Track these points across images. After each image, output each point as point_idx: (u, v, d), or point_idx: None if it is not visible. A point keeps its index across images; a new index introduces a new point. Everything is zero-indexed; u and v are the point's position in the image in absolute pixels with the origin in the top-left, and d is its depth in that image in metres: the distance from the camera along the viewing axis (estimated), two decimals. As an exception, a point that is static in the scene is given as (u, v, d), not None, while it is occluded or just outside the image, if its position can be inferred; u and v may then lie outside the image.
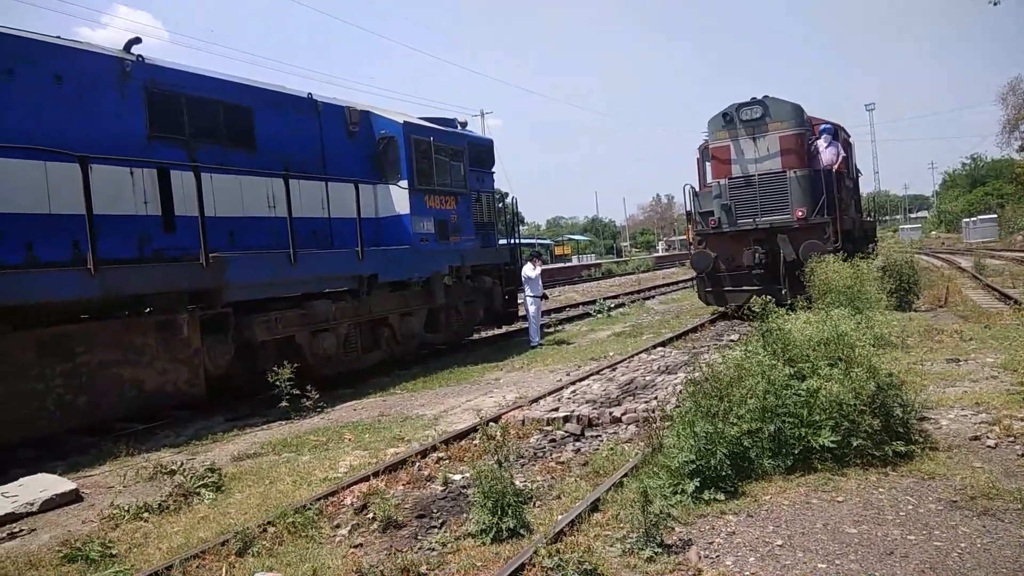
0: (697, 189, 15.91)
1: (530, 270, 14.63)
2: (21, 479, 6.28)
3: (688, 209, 15.90)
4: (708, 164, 15.71)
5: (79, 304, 7.90)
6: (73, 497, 6.04)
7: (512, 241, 16.53)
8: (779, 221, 14.29)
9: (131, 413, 8.46)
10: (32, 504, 5.80)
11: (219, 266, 8.88)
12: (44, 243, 7.73)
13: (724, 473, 4.94)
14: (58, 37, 8.44)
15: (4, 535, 5.35)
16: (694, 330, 13.82)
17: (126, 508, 5.49)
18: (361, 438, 7.50)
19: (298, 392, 8.53)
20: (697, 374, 5.89)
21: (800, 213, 14.02)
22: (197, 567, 4.42)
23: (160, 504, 5.58)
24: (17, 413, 7.07)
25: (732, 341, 11.66)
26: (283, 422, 8.61)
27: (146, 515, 5.43)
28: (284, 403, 8.54)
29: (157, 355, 8.36)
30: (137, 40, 9.11)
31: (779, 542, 4.25)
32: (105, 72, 8.62)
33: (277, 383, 8.53)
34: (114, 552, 4.80)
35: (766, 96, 14.89)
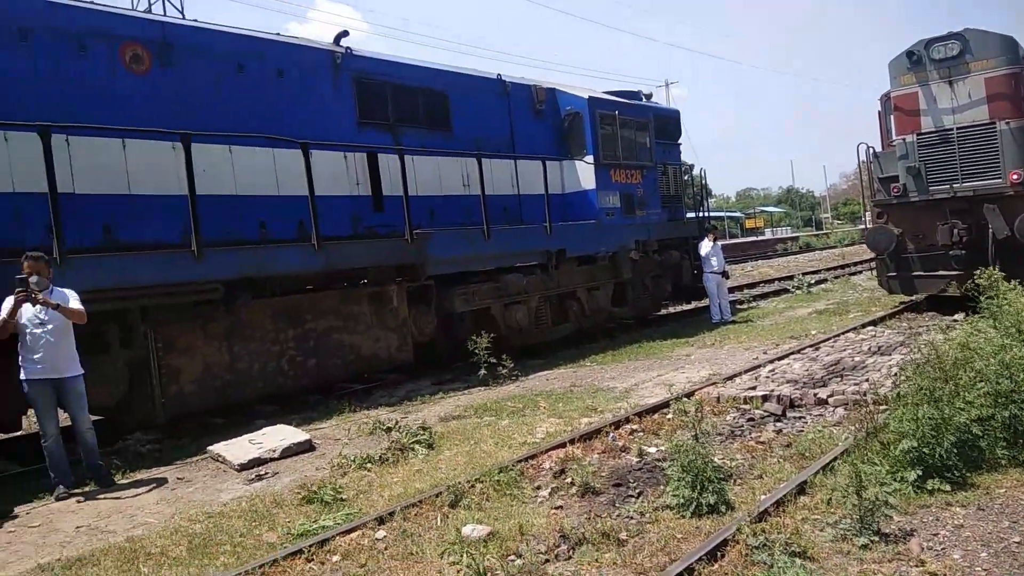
0: (878, 149, 13.25)
1: (705, 246, 14.05)
2: (264, 428, 7.22)
3: (864, 174, 13.13)
4: (891, 117, 12.77)
5: (305, 276, 8.83)
6: (307, 446, 6.84)
7: (700, 214, 16.07)
8: (986, 187, 11.48)
9: (351, 375, 9.38)
10: (274, 451, 6.64)
11: (422, 242, 9.52)
12: (274, 222, 8.70)
13: (950, 462, 4.55)
14: (277, 34, 9.37)
15: (253, 476, 6.18)
16: (910, 308, 12.59)
17: (352, 458, 6.12)
18: (555, 407, 7.75)
19: (494, 361, 8.97)
20: (917, 355, 5.43)
21: (1015, 176, 11.26)
22: (416, 515, 4.85)
23: (380, 456, 6.16)
24: (260, 371, 8.11)
25: (955, 321, 10.53)
26: (482, 388, 9.10)
27: (369, 465, 6.01)
28: (483, 371, 9.01)
29: (371, 323, 9.18)
30: (345, 33, 9.89)
31: (1016, 539, 3.87)
32: (319, 65, 9.46)
33: (475, 351, 9.02)
34: (344, 496, 5.38)
35: (966, 29, 11.82)
